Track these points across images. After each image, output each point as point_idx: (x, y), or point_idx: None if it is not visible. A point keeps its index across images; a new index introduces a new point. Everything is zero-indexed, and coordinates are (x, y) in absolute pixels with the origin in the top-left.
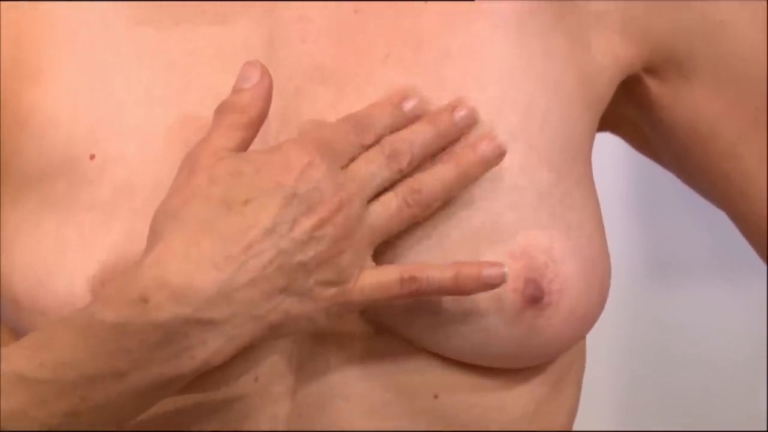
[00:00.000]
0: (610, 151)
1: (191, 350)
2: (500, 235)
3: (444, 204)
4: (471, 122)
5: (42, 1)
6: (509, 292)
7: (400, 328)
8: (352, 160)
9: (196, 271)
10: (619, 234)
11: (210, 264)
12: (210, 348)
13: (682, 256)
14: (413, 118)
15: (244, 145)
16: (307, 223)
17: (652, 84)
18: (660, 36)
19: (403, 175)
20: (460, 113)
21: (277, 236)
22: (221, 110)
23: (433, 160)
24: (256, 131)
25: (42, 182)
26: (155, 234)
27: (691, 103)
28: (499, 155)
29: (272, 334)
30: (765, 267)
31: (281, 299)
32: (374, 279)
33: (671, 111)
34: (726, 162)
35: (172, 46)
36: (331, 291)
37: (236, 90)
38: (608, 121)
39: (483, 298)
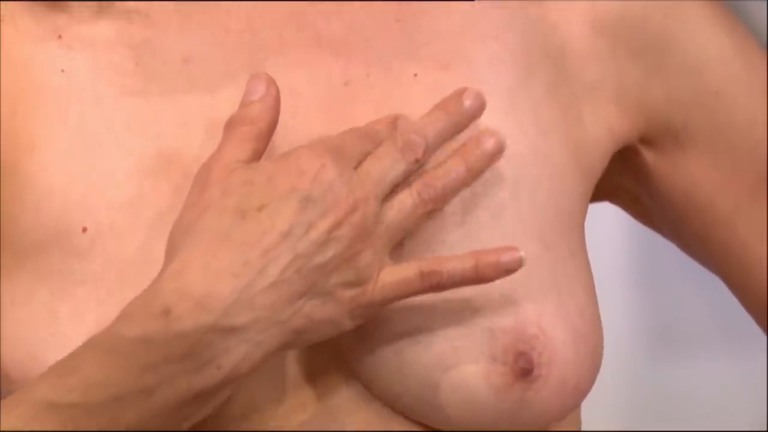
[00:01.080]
0: (608, 220)
1: (217, 359)
2: (489, 307)
3: None
4: (480, 108)
5: (36, 72)
6: (498, 366)
7: (389, 400)
8: (363, 160)
9: (215, 280)
10: (617, 303)
11: (228, 272)
12: (235, 356)
13: (682, 326)
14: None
15: (255, 157)
16: (323, 225)
17: (648, 154)
18: (655, 107)
19: (419, 166)
20: (469, 99)
21: (294, 240)
22: (231, 124)
23: (439, 157)
24: (267, 142)
25: (37, 254)
26: (172, 250)
27: (687, 173)
28: (501, 149)
29: (298, 340)
30: (765, 337)
31: (303, 303)
32: (394, 277)
33: (668, 181)
34: (724, 232)
35: (162, 117)
36: (352, 292)
37: (244, 103)
38: (605, 191)
39: (471, 371)
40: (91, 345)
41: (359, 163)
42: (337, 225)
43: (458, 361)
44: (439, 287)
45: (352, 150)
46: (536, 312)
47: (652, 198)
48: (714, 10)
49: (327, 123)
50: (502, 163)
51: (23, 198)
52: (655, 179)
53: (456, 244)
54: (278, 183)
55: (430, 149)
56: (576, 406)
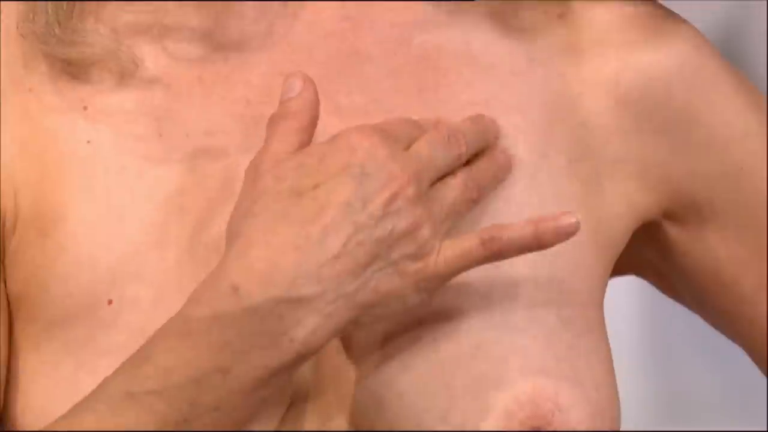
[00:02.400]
0: (627, 294)
1: (289, 332)
2: (506, 382)
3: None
4: (496, 134)
5: (62, 143)
6: None
7: None
8: (410, 145)
9: (279, 254)
10: (633, 378)
11: (291, 246)
12: (307, 327)
13: (698, 402)
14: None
15: (301, 149)
16: (380, 199)
17: (672, 230)
18: (679, 182)
19: (461, 162)
20: (491, 125)
21: (353, 213)
22: (273, 120)
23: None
24: (311, 136)
25: (65, 325)
26: (231, 237)
27: (712, 249)
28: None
29: (367, 315)
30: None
31: (368, 276)
32: (456, 249)
33: (692, 256)
34: (749, 308)
35: (186, 190)
36: (416, 265)
37: (284, 100)
38: (630, 264)
39: None
40: (160, 333)
41: (407, 146)
42: (394, 198)
43: None
44: (500, 254)
45: (400, 133)
46: (553, 388)
47: (676, 272)
48: (737, 83)
49: None
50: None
51: (54, 267)
52: (679, 254)
53: (475, 320)
54: (330, 162)
55: (469, 148)
56: None
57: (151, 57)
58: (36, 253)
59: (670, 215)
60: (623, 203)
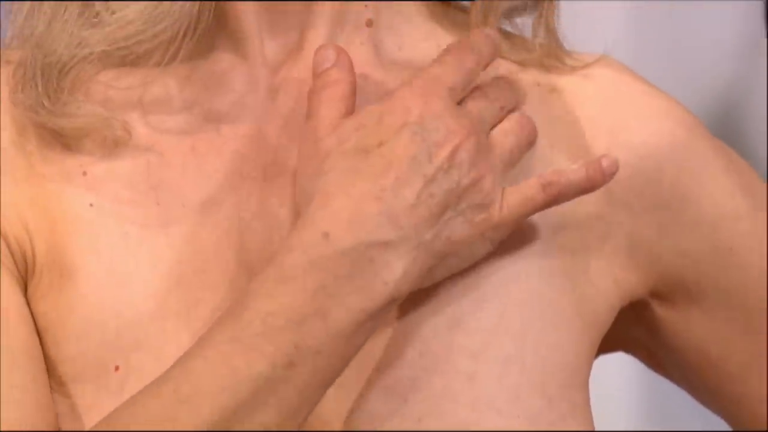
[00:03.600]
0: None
1: (380, 274)
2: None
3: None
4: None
5: (66, 205)
6: None
7: None
8: (462, 93)
9: (360, 203)
10: None
11: (370, 196)
12: (396, 270)
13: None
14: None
15: (348, 115)
16: (443, 152)
17: (660, 309)
18: (667, 262)
19: (505, 113)
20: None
21: (420, 166)
22: (314, 91)
23: None
24: (354, 103)
25: (75, 384)
26: (304, 195)
27: (699, 328)
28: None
29: (442, 266)
30: None
31: (442, 225)
32: (518, 196)
33: (680, 335)
34: (737, 386)
35: (184, 261)
36: (482, 215)
37: (319, 72)
38: (618, 341)
39: None
40: (257, 281)
41: (459, 95)
42: (456, 151)
43: None
44: (559, 197)
45: (451, 83)
46: None
47: (665, 350)
48: (727, 163)
49: None
50: (510, 311)
51: (65, 326)
52: (667, 333)
53: (464, 403)
54: (389, 121)
55: (508, 102)
56: None
57: (143, 127)
58: (49, 308)
59: (657, 294)
60: (610, 281)
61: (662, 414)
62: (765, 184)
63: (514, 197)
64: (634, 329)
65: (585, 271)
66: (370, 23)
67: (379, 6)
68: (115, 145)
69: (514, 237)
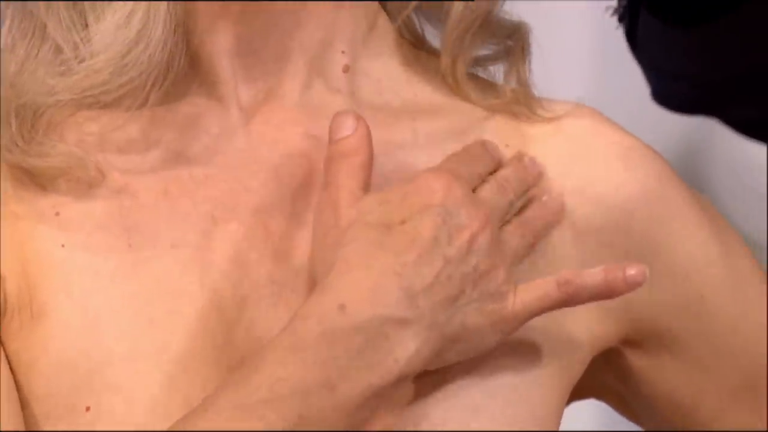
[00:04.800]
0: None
1: (393, 352)
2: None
3: None
4: (540, 176)
5: (38, 245)
6: None
7: None
8: (475, 187)
9: (381, 277)
10: None
11: (391, 271)
12: (409, 349)
13: None
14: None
15: (366, 186)
16: (463, 236)
17: (632, 356)
18: (639, 310)
19: (510, 210)
20: (532, 166)
21: (441, 247)
22: (333, 159)
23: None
24: (370, 173)
25: (47, 423)
26: (322, 264)
27: (672, 376)
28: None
29: (451, 349)
30: None
31: (456, 309)
32: (533, 292)
33: (652, 382)
34: None
35: (154, 303)
36: (495, 305)
37: (338, 138)
38: (590, 388)
39: None
40: (268, 347)
41: (474, 187)
42: (474, 237)
43: None
44: (575, 297)
45: (468, 173)
46: None
47: (636, 397)
48: (699, 211)
49: None
50: (478, 361)
51: (38, 366)
52: (639, 380)
53: None
54: (413, 200)
55: (517, 195)
56: None
57: (117, 168)
58: (20, 347)
59: (630, 342)
60: (583, 331)
61: None
62: (735, 231)
63: (528, 293)
64: (606, 376)
65: (560, 324)
66: (347, 69)
67: (356, 52)
68: (88, 186)
69: None
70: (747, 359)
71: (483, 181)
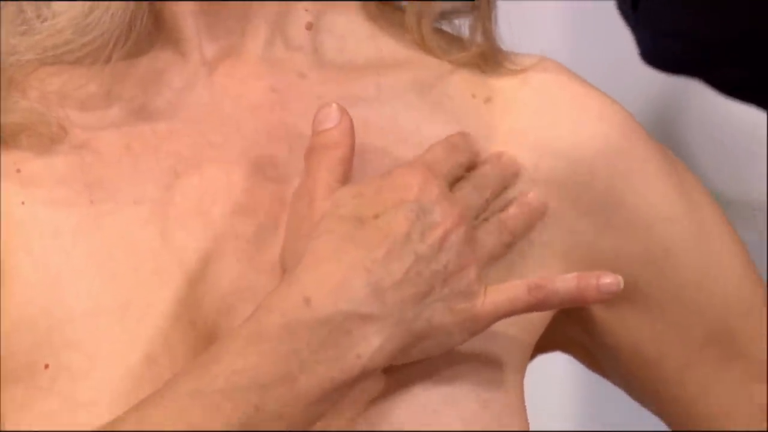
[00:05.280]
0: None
1: (356, 348)
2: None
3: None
4: (516, 175)
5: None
6: None
7: None
8: (453, 183)
9: (350, 271)
10: None
11: (360, 266)
12: (373, 344)
13: None
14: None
15: (345, 179)
16: (436, 233)
17: (597, 309)
18: (604, 262)
19: (489, 205)
20: (507, 164)
21: (413, 243)
22: (314, 150)
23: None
24: (351, 166)
25: (8, 384)
26: (294, 256)
27: (636, 329)
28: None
29: (416, 346)
30: None
31: (424, 306)
32: (503, 294)
33: (617, 335)
34: (673, 387)
35: (116, 258)
36: (464, 304)
37: (320, 130)
38: (556, 341)
39: None
40: (230, 336)
41: (451, 184)
42: (447, 234)
43: None
44: (545, 302)
45: (444, 169)
46: None
47: (602, 350)
48: (663, 164)
49: (270, 267)
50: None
51: None
52: (604, 333)
53: (396, 404)
54: (387, 195)
55: (494, 193)
56: None
57: (78, 124)
58: None
59: None
60: None
61: (599, 413)
62: (702, 186)
63: (498, 294)
64: (571, 329)
65: (522, 277)
66: (310, 26)
67: (319, 9)
68: (50, 142)
69: None
70: (712, 313)
71: (461, 176)
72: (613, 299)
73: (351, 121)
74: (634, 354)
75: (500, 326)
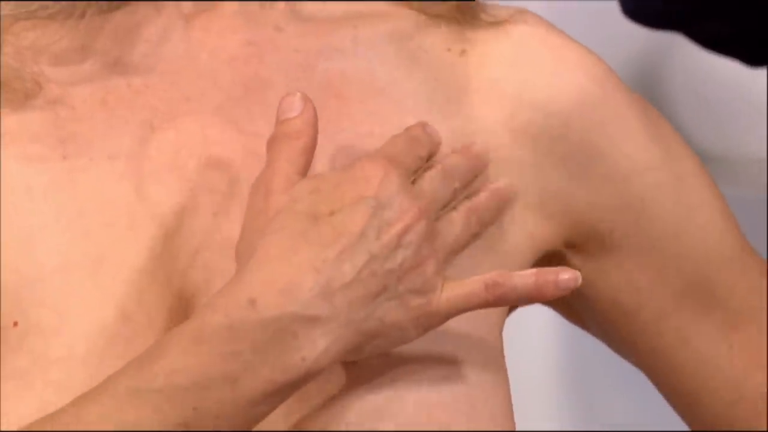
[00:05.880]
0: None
1: (301, 350)
2: (399, 413)
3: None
4: (486, 164)
5: None
6: None
7: None
8: (416, 175)
9: (298, 272)
10: (545, 407)
11: (310, 266)
12: (318, 347)
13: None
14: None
15: (305, 170)
16: (392, 231)
17: (574, 258)
18: (580, 213)
19: (457, 194)
20: (478, 155)
21: (367, 242)
22: (276, 139)
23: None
24: (312, 157)
25: None
26: (246, 251)
27: (613, 279)
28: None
29: (368, 344)
30: None
31: (376, 305)
32: (460, 290)
33: (594, 285)
34: (650, 337)
35: (89, 215)
36: (420, 300)
37: (283, 120)
38: None
39: None
40: (174, 334)
41: (413, 176)
42: (405, 231)
43: None
44: (503, 299)
45: (406, 160)
46: (446, 418)
47: (580, 301)
48: (640, 115)
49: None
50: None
51: None
52: (583, 284)
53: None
54: (345, 190)
55: (463, 183)
56: None
57: (53, 79)
58: None
59: (571, 245)
60: (523, 235)
61: (579, 366)
62: (680, 137)
63: (455, 291)
64: None
65: (499, 228)
66: None
67: None
68: (24, 97)
69: None
70: (690, 263)
71: (427, 167)
72: (592, 251)
73: (314, 110)
74: (612, 305)
75: (453, 323)
